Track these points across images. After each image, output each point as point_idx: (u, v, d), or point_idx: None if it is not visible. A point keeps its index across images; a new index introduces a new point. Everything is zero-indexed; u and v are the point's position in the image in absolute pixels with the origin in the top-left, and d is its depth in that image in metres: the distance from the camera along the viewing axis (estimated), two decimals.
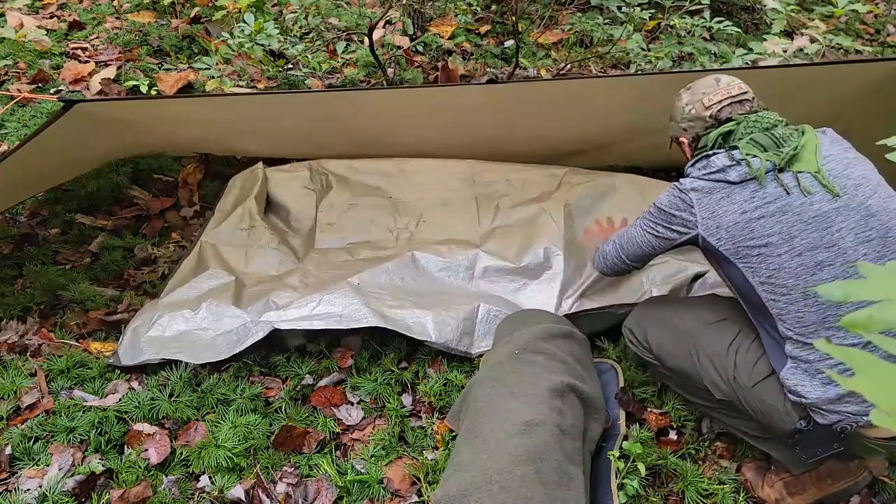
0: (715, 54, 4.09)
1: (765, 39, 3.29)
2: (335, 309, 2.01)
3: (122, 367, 1.99)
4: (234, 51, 3.30)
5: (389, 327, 1.98)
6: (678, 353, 1.68)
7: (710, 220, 1.49)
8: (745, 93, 1.60)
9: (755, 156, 1.47)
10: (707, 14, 3.56)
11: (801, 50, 3.34)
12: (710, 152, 1.55)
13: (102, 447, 1.74)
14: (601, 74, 3.72)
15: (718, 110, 1.58)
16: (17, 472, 1.67)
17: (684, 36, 4.15)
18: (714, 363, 1.59)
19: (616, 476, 1.60)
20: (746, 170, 1.47)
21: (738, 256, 1.48)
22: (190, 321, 2.05)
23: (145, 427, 1.79)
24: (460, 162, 2.74)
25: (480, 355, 1.98)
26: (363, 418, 1.87)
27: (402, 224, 2.56)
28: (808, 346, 1.42)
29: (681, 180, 1.57)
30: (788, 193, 1.44)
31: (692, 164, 1.58)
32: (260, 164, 2.75)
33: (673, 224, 1.58)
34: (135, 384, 1.96)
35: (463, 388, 1.85)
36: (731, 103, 1.58)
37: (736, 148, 1.51)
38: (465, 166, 2.72)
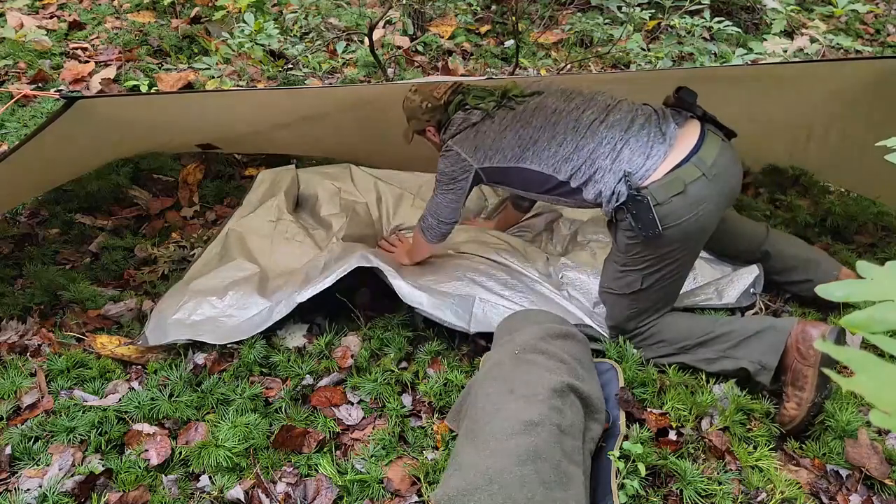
0: (715, 54, 4.09)
1: (765, 39, 3.29)
2: (341, 264, 2.10)
3: (148, 347, 2.05)
4: (234, 51, 3.31)
5: (384, 273, 2.09)
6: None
7: (478, 153, 1.99)
8: (460, 83, 2.16)
9: (482, 102, 2.03)
10: (707, 14, 3.56)
11: (802, 50, 3.34)
12: (450, 118, 2.08)
13: (102, 447, 1.74)
14: (600, 73, 3.72)
15: (448, 97, 2.11)
16: (17, 472, 1.67)
17: (684, 36, 4.15)
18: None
19: (616, 476, 1.60)
20: (479, 112, 2.02)
21: (512, 159, 1.95)
22: (216, 307, 2.14)
23: (145, 427, 1.79)
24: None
25: (477, 333, 2.04)
26: (363, 418, 1.87)
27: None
28: (570, 161, 1.89)
29: (445, 146, 2.07)
30: (513, 109, 1.99)
31: (445, 135, 2.09)
32: (293, 165, 2.82)
33: (457, 177, 2.05)
34: (135, 384, 1.96)
35: (463, 388, 1.85)
36: (453, 91, 2.12)
37: (467, 105, 2.05)
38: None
